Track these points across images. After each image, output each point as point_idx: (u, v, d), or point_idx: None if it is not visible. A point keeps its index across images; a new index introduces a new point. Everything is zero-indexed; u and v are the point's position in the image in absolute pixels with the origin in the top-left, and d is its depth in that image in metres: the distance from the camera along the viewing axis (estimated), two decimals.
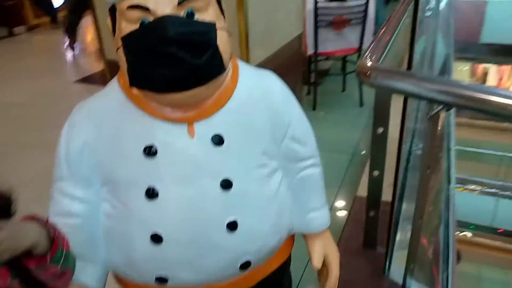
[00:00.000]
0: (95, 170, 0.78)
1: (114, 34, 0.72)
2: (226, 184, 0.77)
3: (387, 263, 1.44)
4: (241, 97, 0.79)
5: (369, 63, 1.02)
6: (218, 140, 0.76)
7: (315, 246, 0.97)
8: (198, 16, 0.68)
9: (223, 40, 0.70)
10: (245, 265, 0.83)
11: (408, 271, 1.27)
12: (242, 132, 0.80)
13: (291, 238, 1.00)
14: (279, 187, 0.87)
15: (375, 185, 1.42)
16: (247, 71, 0.85)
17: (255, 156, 0.82)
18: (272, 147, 0.85)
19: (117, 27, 0.70)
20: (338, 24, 3.02)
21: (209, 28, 0.68)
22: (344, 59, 3.61)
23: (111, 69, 2.26)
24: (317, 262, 0.96)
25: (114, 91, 0.78)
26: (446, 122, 1.67)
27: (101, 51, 2.18)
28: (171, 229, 0.76)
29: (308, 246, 0.99)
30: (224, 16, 0.75)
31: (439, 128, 1.38)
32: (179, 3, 0.65)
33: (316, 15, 3.01)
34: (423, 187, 1.08)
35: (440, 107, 1.03)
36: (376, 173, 1.39)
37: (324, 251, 0.98)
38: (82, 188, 0.79)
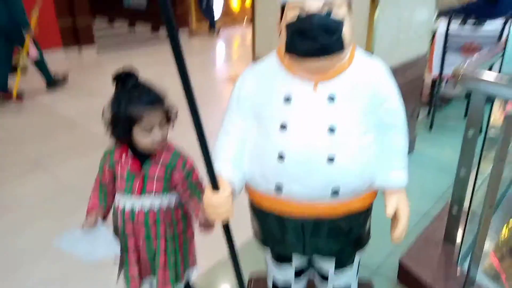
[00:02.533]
0: (252, 109, 1.20)
1: (280, 22, 1.15)
2: (332, 129, 1.11)
3: (460, 255, 1.61)
4: (352, 71, 1.13)
5: (463, 70, 1.28)
6: (332, 98, 1.13)
7: (391, 200, 1.22)
8: (334, 12, 1.05)
9: (347, 31, 1.07)
10: (335, 192, 1.18)
11: (473, 261, 1.43)
12: (349, 96, 1.12)
13: (373, 194, 1.30)
14: (371, 144, 1.19)
15: (460, 183, 1.61)
16: (361, 56, 1.18)
17: (356, 115, 1.12)
18: (370, 111, 1.15)
19: (283, 17, 1.13)
20: (468, 50, 3.12)
21: (339, 22, 1.06)
22: None
23: None
24: (389, 211, 1.23)
25: (272, 58, 1.20)
26: None
27: (253, 53, 2.75)
28: (291, 152, 1.13)
29: (385, 200, 1.27)
30: (351, 12, 1.10)
31: None
32: (323, 4, 1.05)
33: (446, 39, 3.17)
34: (495, 177, 1.28)
35: None
36: (463, 171, 1.59)
37: (398, 205, 1.23)
38: (241, 120, 1.21)
